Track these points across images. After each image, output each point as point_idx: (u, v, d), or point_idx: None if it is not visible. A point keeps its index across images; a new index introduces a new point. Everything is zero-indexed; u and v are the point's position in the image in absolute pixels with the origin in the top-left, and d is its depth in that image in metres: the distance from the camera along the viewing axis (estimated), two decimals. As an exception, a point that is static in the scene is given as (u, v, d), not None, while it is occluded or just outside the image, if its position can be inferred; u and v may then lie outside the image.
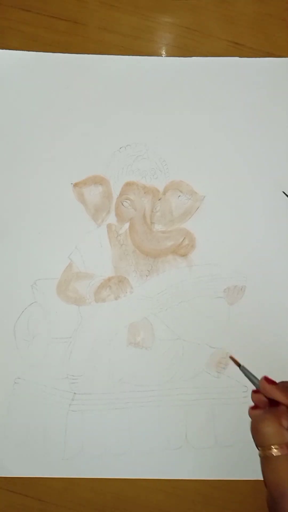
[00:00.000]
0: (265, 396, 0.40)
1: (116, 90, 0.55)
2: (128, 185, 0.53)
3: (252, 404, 0.42)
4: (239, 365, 0.42)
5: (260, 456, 0.38)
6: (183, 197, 0.53)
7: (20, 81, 0.55)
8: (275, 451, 0.36)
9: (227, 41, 0.57)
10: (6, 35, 0.57)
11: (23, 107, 0.55)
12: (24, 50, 0.56)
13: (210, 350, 0.51)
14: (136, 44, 0.57)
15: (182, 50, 0.57)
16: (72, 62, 0.56)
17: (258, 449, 0.37)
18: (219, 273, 0.52)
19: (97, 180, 0.53)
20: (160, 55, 0.57)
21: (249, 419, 0.39)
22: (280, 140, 0.54)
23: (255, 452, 0.50)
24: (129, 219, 0.53)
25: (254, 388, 0.41)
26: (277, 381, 0.40)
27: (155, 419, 0.49)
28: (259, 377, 0.41)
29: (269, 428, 0.37)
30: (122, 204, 0.53)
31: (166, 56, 0.57)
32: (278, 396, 0.39)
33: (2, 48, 0.56)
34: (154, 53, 0.57)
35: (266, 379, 0.40)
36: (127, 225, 0.53)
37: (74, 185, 0.53)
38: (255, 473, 0.49)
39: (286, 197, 0.53)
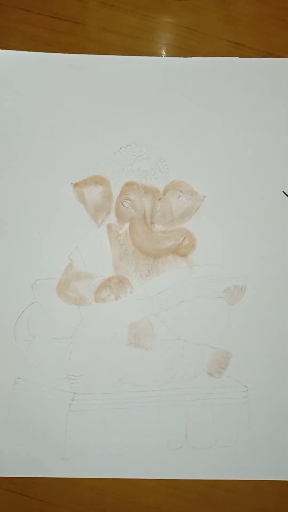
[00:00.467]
0: None
1: (116, 90, 0.55)
2: (128, 185, 0.53)
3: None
4: None
5: None
6: (183, 197, 0.53)
7: (20, 81, 0.55)
8: None
9: (227, 41, 0.57)
10: (6, 35, 0.57)
11: (23, 107, 0.55)
12: (24, 50, 0.56)
13: (210, 350, 0.51)
14: (136, 44, 0.57)
15: (182, 50, 0.57)
16: (72, 62, 0.56)
17: None
18: (219, 273, 0.52)
19: (97, 180, 0.53)
20: (160, 55, 0.57)
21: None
22: (280, 140, 0.54)
23: (255, 452, 0.50)
24: (129, 219, 0.53)
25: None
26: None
27: (155, 419, 0.49)
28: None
29: None
30: (122, 204, 0.53)
31: (166, 56, 0.57)
32: None
33: (2, 48, 0.56)
34: (154, 53, 0.57)
35: None
36: (127, 225, 0.53)
37: (74, 185, 0.53)
38: (255, 473, 0.49)
39: (287, 197, 0.53)
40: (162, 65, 0.56)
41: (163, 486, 0.49)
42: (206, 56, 0.56)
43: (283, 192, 0.53)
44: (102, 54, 0.56)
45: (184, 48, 0.57)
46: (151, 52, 0.57)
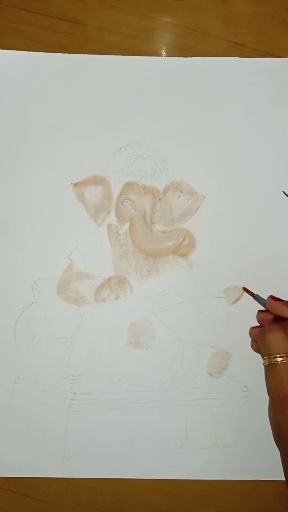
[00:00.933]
0: (272, 313, 0.44)
1: (116, 90, 0.55)
2: (128, 185, 0.53)
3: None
4: (252, 295, 0.46)
5: (264, 365, 0.41)
6: (183, 197, 0.53)
7: (20, 81, 0.55)
8: (279, 359, 0.39)
9: (227, 41, 0.57)
10: (6, 35, 0.57)
11: (23, 107, 0.55)
12: (24, 50, 0.56)
13: (210, 350, 0.51)
14: (136, 44, 0.57)
15: (182, 50, 0.57)
16: (72, 62, 0.56)
17: (263, 359, 0.41)
18: (219, 273, 0.52)
19: (97, 180, 0.53)
20: (160, 55, 0.57)
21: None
22: (280, 140, 0.54)
23: (255, 452, 0.50)
24: (129, 219, 0.53)
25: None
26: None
27: (155, 419, 0.49)
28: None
29: (276, 337, 0.40)
30: (122, 204, 0.53)
31: (166, 56, 0.57)
32: (285, 311, 0.42)
33: (2, 48, 0.56)
34: (154, 53, 0.57)
35: (273, 297, 0.45)
36: (127, 225, 0.53)
37: (74, 185, 0.53)
38: (255, 473, 0.49)
39: (286, 197, 0.53)
40: (162, 65, 0.56)
41: (163, 486, 0.49)
42: (206, 56, 0.56)
43: (283, 192, 0.53)
44: (102, 54, 0.56)
45: (184, 48, 0.57)
46: (151, 52, 0.57)
